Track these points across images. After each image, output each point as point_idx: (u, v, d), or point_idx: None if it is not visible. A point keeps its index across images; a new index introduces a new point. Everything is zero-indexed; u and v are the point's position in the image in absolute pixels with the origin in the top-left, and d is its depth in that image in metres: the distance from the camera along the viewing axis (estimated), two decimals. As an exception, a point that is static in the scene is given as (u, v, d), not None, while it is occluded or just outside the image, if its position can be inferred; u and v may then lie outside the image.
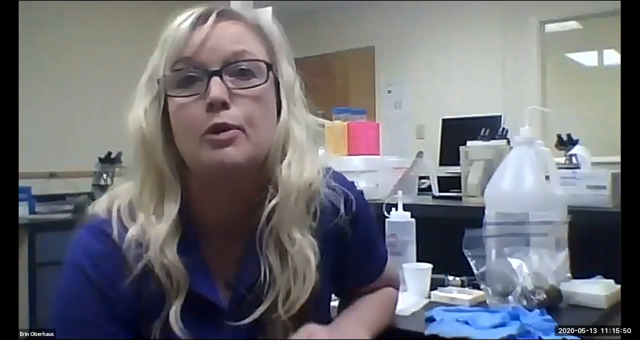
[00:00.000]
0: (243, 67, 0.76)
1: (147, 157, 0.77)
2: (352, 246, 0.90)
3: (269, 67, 0.79)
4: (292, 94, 0.83)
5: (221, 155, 0.73)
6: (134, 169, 0.80)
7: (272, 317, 0.79)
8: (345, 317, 0.91)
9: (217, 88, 0.73)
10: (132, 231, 0.76)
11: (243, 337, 0.79)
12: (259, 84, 0.77)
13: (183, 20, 0.77)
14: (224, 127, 0.73)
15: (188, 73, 0.75)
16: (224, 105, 0.74)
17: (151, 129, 0.76)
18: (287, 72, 0.83)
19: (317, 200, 0.83)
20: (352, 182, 0.93)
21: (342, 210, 0.86)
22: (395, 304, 1.03)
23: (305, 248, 0.80)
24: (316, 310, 0.82)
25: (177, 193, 0.78)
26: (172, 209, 0.77)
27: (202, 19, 0.77)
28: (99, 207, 0.81)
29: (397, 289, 1.06)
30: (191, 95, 0.75)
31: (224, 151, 0.73)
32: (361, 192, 0.94)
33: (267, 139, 0.78)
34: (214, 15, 0.77)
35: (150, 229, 0.76)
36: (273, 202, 0.78)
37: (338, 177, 0.90)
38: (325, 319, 0.88)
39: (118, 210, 0.78)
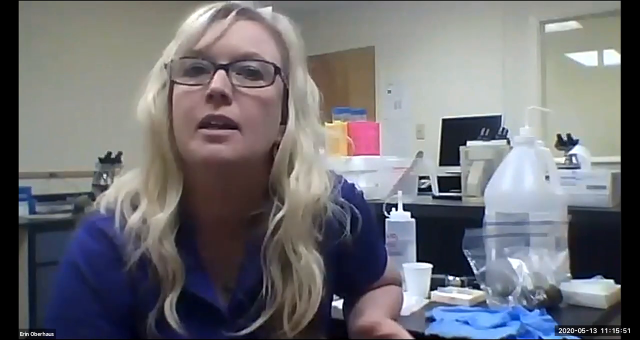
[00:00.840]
0: (251, 67, 0.76)
1: (154, 143, 0.77)
2: (355, 248, 0.89)
3: (277, 71, 0.78)
4: (302, 104, 0.82)
5: (210, 150, 0.73)
6: (141, 155, 0.80)
7: (274, 330, 0.78)
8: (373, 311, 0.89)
9: (219, 80, 0.73)
10: (133, 219, 0.76)
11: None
12: (264, 86, 0.77)
13: (202, 13, 0.77)
14: (219, 120, 0.73)
15: (196, 63, 0.76)
16: (224, 100, 0.74)
17: (159, 115, 0.77)
18: (300, 81, 0.82)
19: (324, 215, 0.82)
20: (352, 184, 0.93)
21: (348, 228, 0.85)
22: (401, 299, 1.03)
23: (310, 263, 0.79)
24: (318, 317, 0.81)
25: (179, 182, 0.78)
26: (173, 198, 0.77)
27: (221, 15, 0.77)
28: (104, 200, 0.81)
29: (400, 286, 1.05)
30: (195, 85, 0.75)
31: (214, 146, 0.73)
32: (361, 193, 0.93)
33: (263, 142, 0.78)
34: (234, 13, 0.78)
35: (150, 217, 0.76)
36: (279, 215, 0.78)
37: (344, 188, 0.88)
38: (325, 323, 0.88)
39: (122, 204, 0.79)
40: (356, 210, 0.87)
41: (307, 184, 0.79)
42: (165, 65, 0.77)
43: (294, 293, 0.78)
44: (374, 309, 0.88)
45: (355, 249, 0.88)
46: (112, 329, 0.75)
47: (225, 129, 0.73)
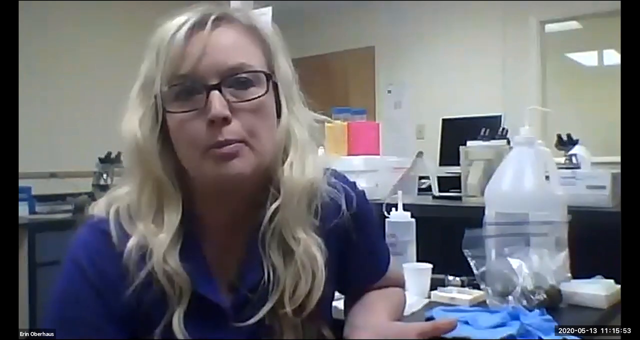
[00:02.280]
0: (242, 77, 0.75)
1: (143, 167, 0.76)
2: (356, 244, 0.90)
3: (269, 77, 0.77)
4: (290, 93, 0.82)
5: (226, 168, 0.73)
6: (129, 177, 0.79)
7: (278, 316, 0.78)
8: (372, 312, 0.88)
9: (217, 103, 0.72)
10: (133, 240, 0.75)
11: (247, 338, 0.78)
12: (259, 96, 0.76)
13: (177, 29, 0.74)
14: (227, 143, 0.73)
15: (186, 86, 0.74)
16: (225, 120, 0.73)
17: (146, 139, 0.75)
18: (285, 71, 0.81)
19: (319, 198, 0.83)
20: (354, 183, 0.93)
21: (344, 206, 0.85)
22: (404, 303, 1.03)
23: (311, 246, 0.80)
24: (320, 309, 0.82)
25: (178, 202, 0.77)
26: (173, 219, 0.76)
27: (197, 28, 0.74)
28: (98, 208, 0.80)
29: (403, 289, 1.05)
30: (190, 111, 0.73)
31: (229, 164, 0.73)
32: (363, 192, 0.93)
33: (269, 146, 0.78)
34: (209, 24, 0.75)
35: (151, 238, 0.75)
36: (276, 203, 0.78)
37: (339, 176, 0.90)
38: (327, 317, 0.88)
39: (117, 213, 0.78)
40: (349, 189, 0.88)
41: (301, 169, 0.80)
42: (155, 96, 0.74)
43: (295, 276, 0.78)
44: (369, 315, 0.88)
45: (355, 232, 0.88)
46: (115, 331, 0.75)
47: (233, 145, 0.73)
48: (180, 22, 0.75)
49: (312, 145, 0.83)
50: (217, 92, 0.73)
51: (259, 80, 0.76)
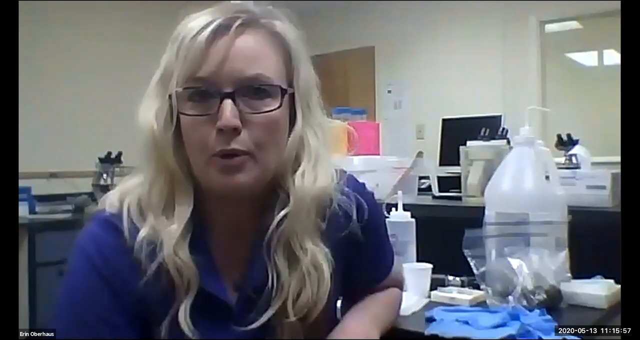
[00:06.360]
0: (257, 88, 0.75)
1: (157, 159, 0.77)
2: (363, 250, 0.90)
3: (284, 92, 0.77)
4: (309, 101, 0.81)
5: (229, 181, 0.73)
6: (142, 168, 0.79)
7: (281, 322, 0.78)
8: (353, 316, 0.90)
9: (228, 112, 0.72)
10: (143, 231, 0.75)
11: (250, 338, 0.78)
12: (273, 110, 0.75)
13: (200, 30, 0.73)
14: (233, 154, 0.73)
15: (201, 90, 0.74)
16: (235, 130, 0.73)
17: (162, 132, 0.76)
18: (305, 78, 0.80)
19: (329, 206, 0.82)
20: (363, 184, 0.93)
21: (355, 217, 0.85)
22: (400, 303, 1.03)
23: (318, 257, 0.79)
24: (324, 313, 0.82)
25: (190, 195, 0.78)
26: (184, 211, 0.77)
27: (220, 32, 0.74)
28: (110, 202, 0.80)
29: (401, 289, 1.05)
30: (202, 115, 0.73)
31: (233, 177, 0.73)
32: (372, 195, 0.93)
33: (275, 159, 0.78)
34: (233, 29, 0.74)
35: (161, 229, 0.75)
36: (284, 211, 0.78)
37: (350, 181, 0.89)
38: (332, 320, 0.88)
39: (128, 207, 0.78)
40: (361, 199, 0.87)
41: (312, 178, 0.79)
42: (170, 96, 0.75)
43: (299, 284, 0.78)
44: (358, 316, 0.89)
45: (363, 241, 0.88)
46: (125, 323, 0.75)
47: (238, 157, 0.73)
48: (204, 22, 0.74)
49: (324, 152, 0.82)
50: (229, 101, 0.72)
51: (274, 92, 0.76)
